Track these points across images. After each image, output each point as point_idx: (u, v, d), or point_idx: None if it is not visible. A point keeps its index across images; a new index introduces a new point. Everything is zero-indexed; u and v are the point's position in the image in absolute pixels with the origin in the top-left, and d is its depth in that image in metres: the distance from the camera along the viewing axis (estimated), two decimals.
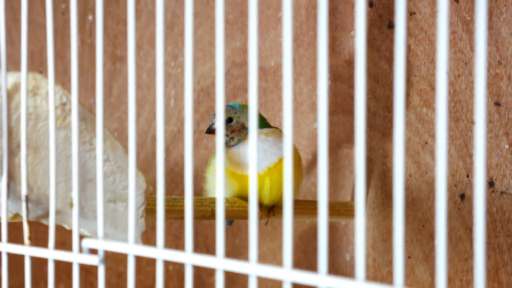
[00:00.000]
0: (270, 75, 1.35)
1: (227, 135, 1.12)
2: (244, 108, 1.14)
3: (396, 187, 0.62)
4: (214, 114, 1.12)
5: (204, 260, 0.70)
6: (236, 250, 1.39)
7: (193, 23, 1.42)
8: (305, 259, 1.32)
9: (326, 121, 0.65)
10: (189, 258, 0.71)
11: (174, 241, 1.45)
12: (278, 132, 1.14)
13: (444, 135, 0.61)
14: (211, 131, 1.12)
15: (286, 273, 0.66)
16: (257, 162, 1.10)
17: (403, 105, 0.62)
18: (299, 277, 0.66)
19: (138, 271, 1.48)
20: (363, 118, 0.64)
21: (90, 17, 1.54)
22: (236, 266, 0.69)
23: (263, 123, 1.15)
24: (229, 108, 1.13)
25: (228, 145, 1.12)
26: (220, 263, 0.70)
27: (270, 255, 1.36)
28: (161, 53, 0.74)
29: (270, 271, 0.67)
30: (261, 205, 1.14)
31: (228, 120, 1.12)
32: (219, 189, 0.71)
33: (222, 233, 0.70)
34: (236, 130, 1.12)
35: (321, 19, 0.65)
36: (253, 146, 0.69)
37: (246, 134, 1.12)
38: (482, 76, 0.59)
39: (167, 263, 1.46)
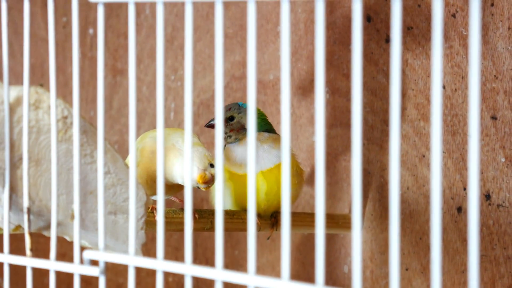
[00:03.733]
0: (269, 89, 1.36)
1: (225, 133, 1.14)
2: None
3: (392, 199, 0.63)
4: None
5: (203, 272, 0.72)
6: (235, 261, 1.40)
7: (193, 37, 1.44)
8: (303, 271, 1.33)
9: (323, 135, 0.67)
10: (188, 269, 0.73)
11: (174, 252, 1.46)
12: (276, 140, 1.15)
13: (439, 148, 0.62)
14: (210, 125, 1.14)
15: (284, 284, 0.67)
16: (246, 163, 1.12)
17: (399, 119, 0.63)
18: None
19: (138, 282, 1.49)
20: (360, 133, 0.65)
21: (91, 31, 1.55)
22: (234, 277, 0.70)
23: (266, 128, 1.16)
24: (235, 106, 1.15)
25: (225, 142, 1.14)
26: (219, 274, 0.71)
27: (269, 267, 1.37)
28: (161, 66, 0.75)
29: (268, 282, 0.68)
30: (260, 216, 1.15)
31: (230, 119, 1.14)
32: (218, 198, 0.72)
33: (221, 244, 0.71)
34: (235, 130, 1.14)
35: (319, 33, 0.66)
36: (251, 150, 0.71)
37: (245, 135, 1.13)
38: (476, 91, 0.60)
39: (166, 274, 1.47)
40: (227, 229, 1.13)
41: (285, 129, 0.68)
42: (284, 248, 0.68)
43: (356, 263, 0.65)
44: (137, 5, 1.49)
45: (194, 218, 1.09)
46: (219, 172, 0.72)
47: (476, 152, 0.60)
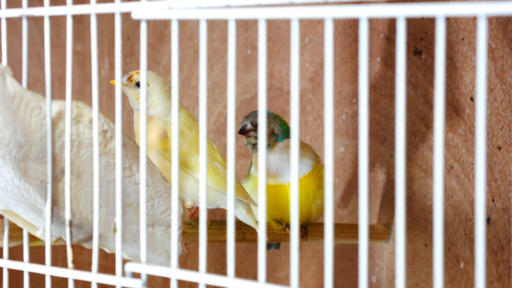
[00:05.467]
0: None
1: (255, 138, 1.13)
2: (277, 117, 1.15)
3: (436, 214, 0.64)
4: (246, 117, 1.13)
5: (247, 285, 0.72)
6: None
7: (221, 49, 1.45)
8: None
9: (366, 151, 0.68)
10: (231, 282, 0.74)
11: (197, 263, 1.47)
12: (304, 147, 1.15)
13: (483, 162, 0.63)
14: (244, 131, 1.13)
15: None
16: (279, 173, 1.13)
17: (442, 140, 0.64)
18: None
19: None
20: (403, 148, 0.66)
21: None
22: None
23: (289, 134, 1.16)
24: None
25: (255, 148, 1.13)
26: None
27: None
28: (204, 82, 0.76)
29: None
30: (289, 226, 1.15)
31: None
32: (261, 208, 0.73)
33: (263, 258, 0.72)
34: (266, 134, 1.13)
35: (362, 51, 0.67)
36: (295, 156, 0.72)
37: (275, 141, 1.14)
38: None
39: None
40: (257, 240, 1.14)
41: (328, 144, 0.69)
42: (328, 262, 0.69)
43: (399, 273, 0.66)
44: None
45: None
46: (262, 181, 0.73)
47: None
